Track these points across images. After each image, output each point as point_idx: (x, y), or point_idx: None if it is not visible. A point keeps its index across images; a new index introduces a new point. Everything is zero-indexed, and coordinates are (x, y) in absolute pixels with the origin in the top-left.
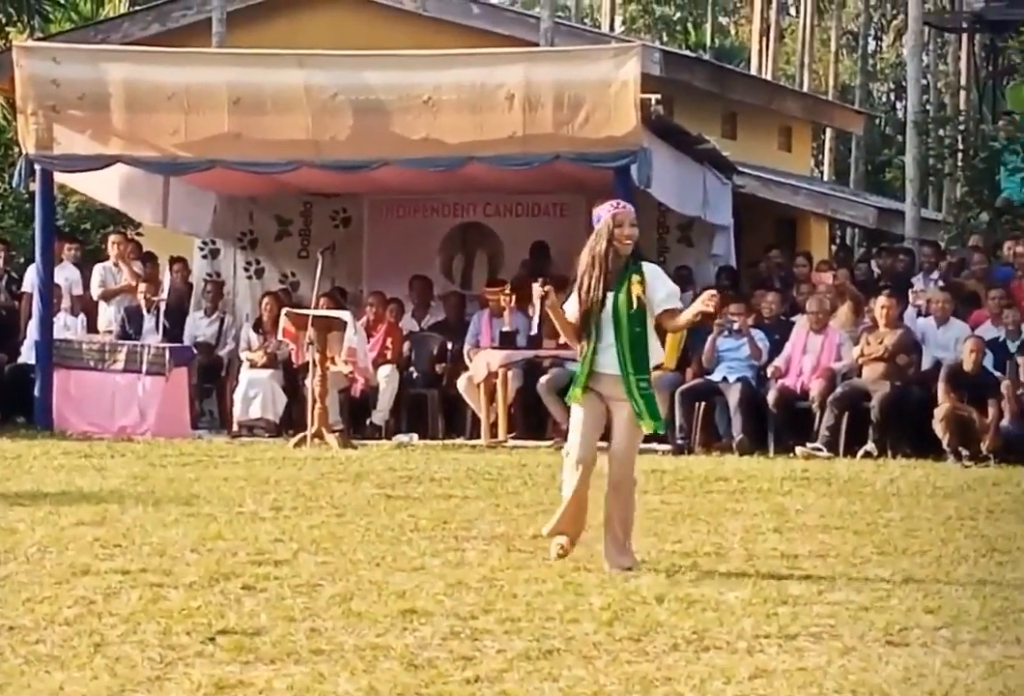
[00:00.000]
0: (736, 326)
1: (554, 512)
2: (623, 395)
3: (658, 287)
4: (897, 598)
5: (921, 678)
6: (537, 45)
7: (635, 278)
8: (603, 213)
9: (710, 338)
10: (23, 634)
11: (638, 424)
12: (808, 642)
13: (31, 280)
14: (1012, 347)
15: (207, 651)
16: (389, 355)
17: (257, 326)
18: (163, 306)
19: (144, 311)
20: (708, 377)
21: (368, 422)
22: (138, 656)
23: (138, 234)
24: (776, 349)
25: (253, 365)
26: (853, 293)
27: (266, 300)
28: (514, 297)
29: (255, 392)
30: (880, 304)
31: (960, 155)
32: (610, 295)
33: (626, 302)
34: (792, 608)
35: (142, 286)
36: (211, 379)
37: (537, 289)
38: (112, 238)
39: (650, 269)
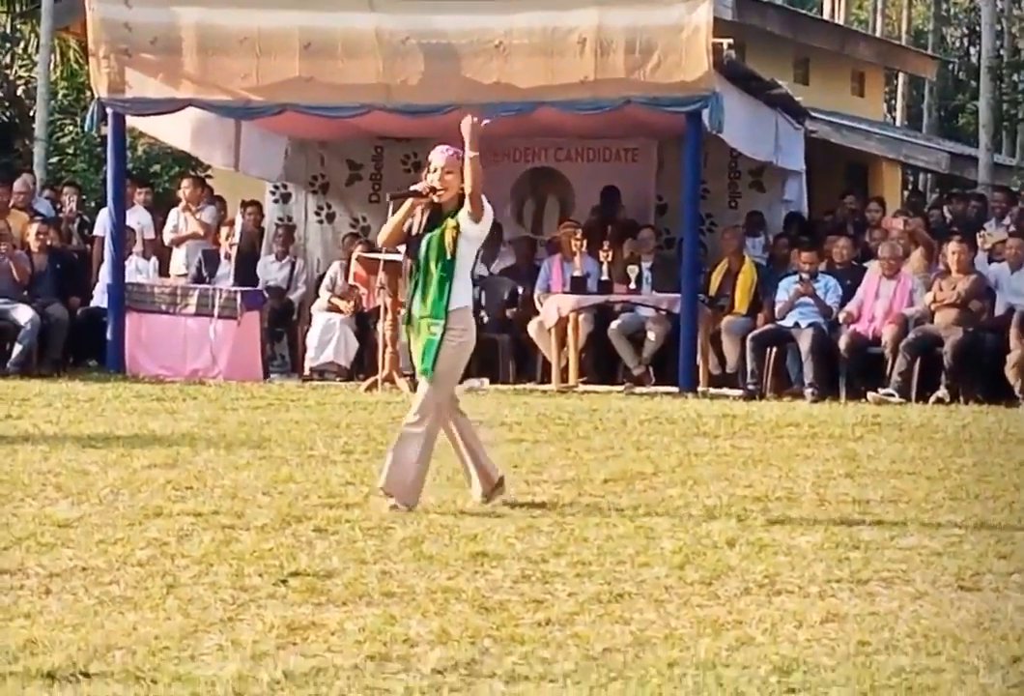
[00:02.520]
0: (801, 289)
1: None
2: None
3: (471, 235)
4: (969, 543)
5: (993, 623)
6: None
7: (450, 222)
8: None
9: (785, 293)
10: (96, 575)
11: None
12: (880, 587)
13: (103, 224)
14: None
15: (279, 593)
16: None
17: (347, 273)
18: (235, 250)
19: (222, 256)
20: (780, 323)
21: None
22: (210, 597)
23: (207, 176)
24: (848, 295)
25: (333, 309)
26: (925, 239)
27: (359, 247)
28: (585, 242)
29: (328, 336)
30: (952, 250)
31: None
32: (426, 238)
33: (437, 247)
34: (864, 553)
35: (223, 230)
36: (282, 323)
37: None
38: (183, 183)
39: (463, 214)
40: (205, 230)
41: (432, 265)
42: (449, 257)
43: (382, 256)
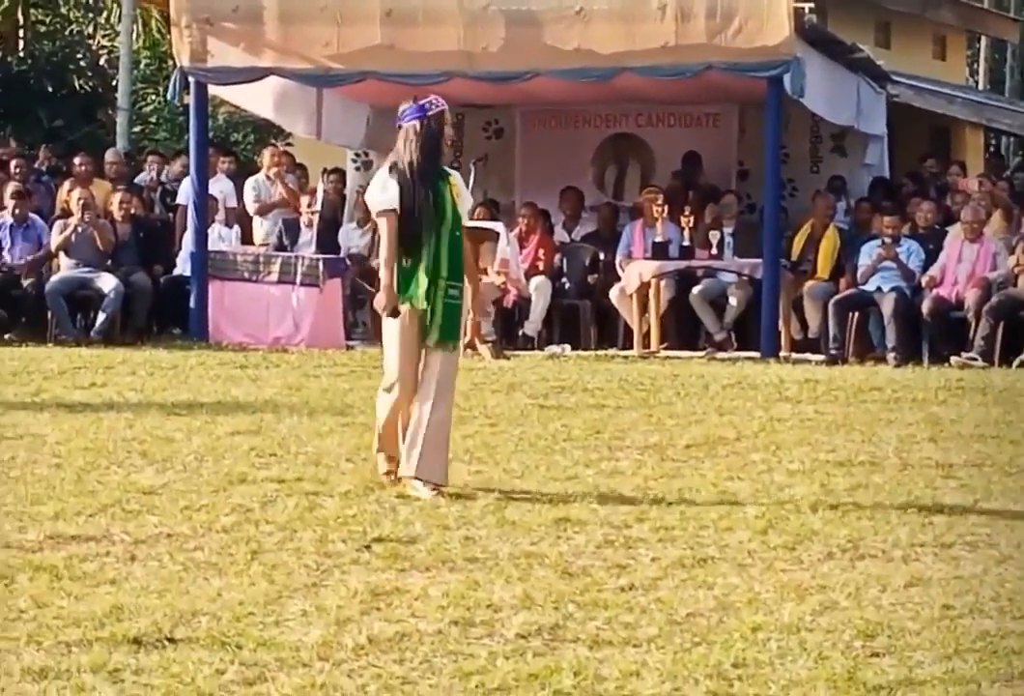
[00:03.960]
0: (884, 252)
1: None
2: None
3: (465, 198)
4: None
5: None
6: None
7: (452, 180)
8: (418, 111)
9: (869, 258)
10: (181, 541)
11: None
12: (964, 551)
13: (186, 192)
14: None
15: (363, 558)
16: (541, 266)
17: None
18: (317, 218)
19: (302, 224)
20: (862, 287)
21: (520, 333)
22: (295, 563)
23: (288, 144)
24: (931, 259)
25: None
26: (1004, 200)
27: None
28: (667, 208)
29: None
30: None
31: None
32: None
33: (450, 205)
34: (947, 517)
35: (303, 199)
36: (364, 290)
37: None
38: (267, 151)
39: (456, 176)
40: (292, 197)
41: (444, 226)
42: (459, 215)
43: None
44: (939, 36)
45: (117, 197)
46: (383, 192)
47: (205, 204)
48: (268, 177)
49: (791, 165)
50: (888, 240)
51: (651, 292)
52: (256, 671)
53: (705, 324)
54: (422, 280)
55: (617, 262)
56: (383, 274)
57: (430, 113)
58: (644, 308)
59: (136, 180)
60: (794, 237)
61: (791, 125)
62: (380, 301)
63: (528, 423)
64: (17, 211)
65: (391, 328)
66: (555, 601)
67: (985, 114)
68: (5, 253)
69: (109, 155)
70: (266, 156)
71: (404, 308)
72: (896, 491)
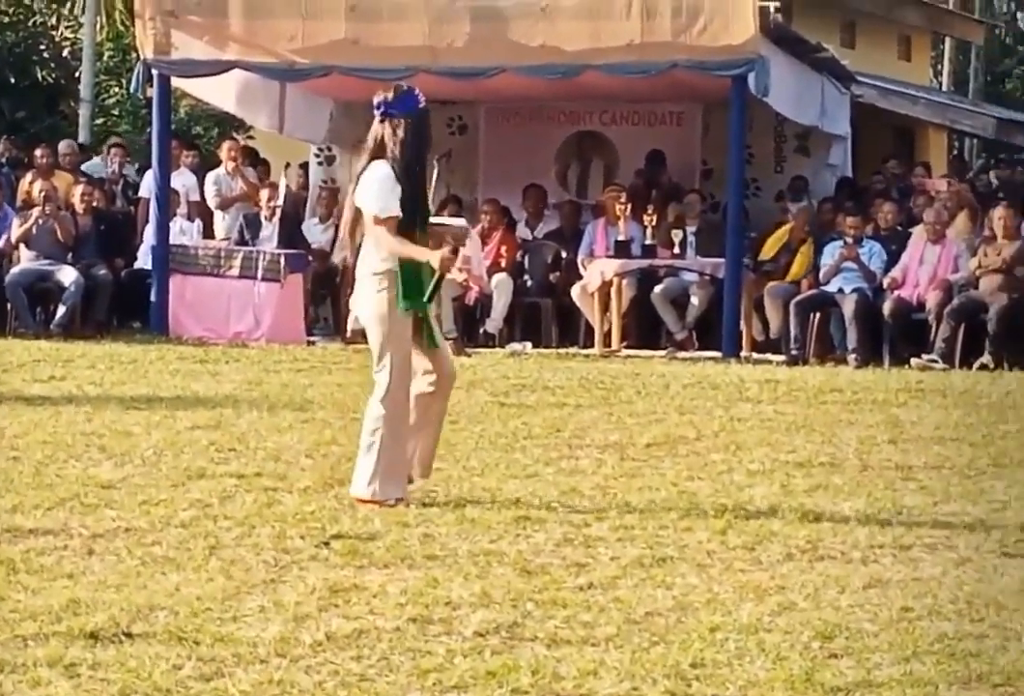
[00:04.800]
0: (846, 252)
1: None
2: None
3: (362, 186)
4: (1012, 510)
5: None
6: None
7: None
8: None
9: (831, 258)
10: (139, 536)
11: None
12: (923, 553)
13: (148, 185)
14: None
15: (321, 555)
16: (503, 263)
17: None
18: (279, 212)
19: (263, 219)
20: (824, 288)
21: (482, 330)
22: (253, 559)
23: (249, 137)
24: (893, 260)
25: None
26: (969, 201)
27: None
28: (629, 206)
29: None
30: (998, 215)
31: None
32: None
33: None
34: (907, 519)
35: (263, 193)
36: (325, 286)
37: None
38: (226, 144)
39: (370, 167)
40: (253, 192)
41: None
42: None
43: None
44: (904, 37)
45: (79, 189)
46: (391, 195)
47: (167, 197)
48: (228, 171)
49: (755, 165)
50: (850, 240)
51: (613, 290)
52: (213, 667)
53: (666, 323)
54: (427, 283)
55: (579, 260)
56: (410, 251)
57: (421, 106)
58: (606, 307)
59: (85, 168)
60: (764, 238)
61: (755, 124)
62: (437, 256)
63: (488, 421)
64: None
65: (396, 335)
66: (513, 599)
67: (949, 115)
68: None
69: (62, 146)
70: (224, 150)
71: (406, 314)
72: (855, 492)
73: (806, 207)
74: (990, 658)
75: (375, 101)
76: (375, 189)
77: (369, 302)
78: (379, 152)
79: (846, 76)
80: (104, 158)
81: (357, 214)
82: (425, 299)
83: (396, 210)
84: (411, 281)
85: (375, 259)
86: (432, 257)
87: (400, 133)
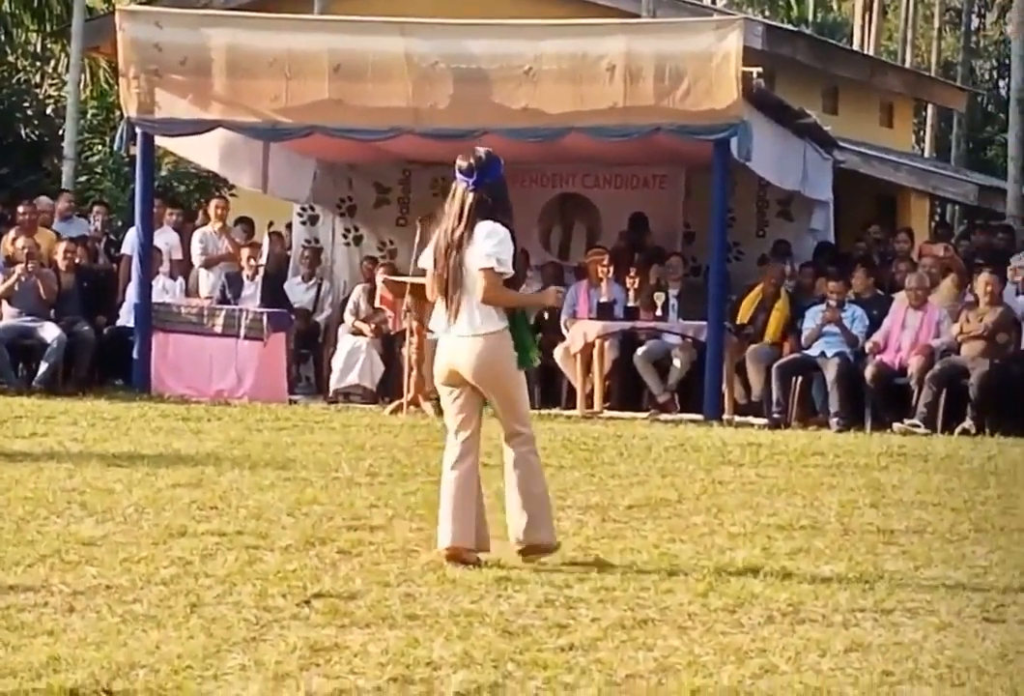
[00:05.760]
0: (828, 315)
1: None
2: None
3: (478, 246)
4: (994, 575)
5: (1018, 655)
6: (639, 17)
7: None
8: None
9: (813, 321)
10: (120, 593)
11: None
12: (904, 617)
13: (131, 243)
14: None
15: (302, 614)
16: None
17: (372, 295)
18: (262, 271)
19: (246, 278)
20: (806, 352)
21: None
22: (234, 617)
23: (232, 195)
24: (875, 325)
25: (358, 333)
26: (960, 267)
27: (382, 269)
28: (612, 268)
29: (353, 359)
30: (983, 281)
31: None
32: None
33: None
34: (888, 583)
35: (245, 252)
36: (308, 345)
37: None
38: (213, 202)
39: (479, 228)
40: (237, 250)
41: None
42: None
43: (409, 279)
44: (886, 103)
45: (62, 246)
46: (510, 252)
47: (150, 255)
48: (215, 231)
49: (737, 228)
50: (833, 303)
51: (595, 352)
52: None
53: (649, 385)
54: (532, 340)
55: (562, 322)
56: (527, 299)
57: (503, 167)
58: (588, 368)
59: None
60: (741, 301)
61: (738, 188)
62: (550, 294)
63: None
64: None
65: (521, 386)
66: (495, 660)
67: (931, 182)
68: None
69: (43, 204)
70: (211, 208)
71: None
72: (837, 556)
73: (776, 264)
74: None
75: (463, 171)
76: (498, 247)
77: (492, 360)
78: (482, 216)
79: (828, 142)
80: (89, 216)
81: (456, 275)
82: (533, 355)
83: (510, 268)
84: (525, 339)
85: (491, 318)
86: (546, 297)
87: (496, 196)
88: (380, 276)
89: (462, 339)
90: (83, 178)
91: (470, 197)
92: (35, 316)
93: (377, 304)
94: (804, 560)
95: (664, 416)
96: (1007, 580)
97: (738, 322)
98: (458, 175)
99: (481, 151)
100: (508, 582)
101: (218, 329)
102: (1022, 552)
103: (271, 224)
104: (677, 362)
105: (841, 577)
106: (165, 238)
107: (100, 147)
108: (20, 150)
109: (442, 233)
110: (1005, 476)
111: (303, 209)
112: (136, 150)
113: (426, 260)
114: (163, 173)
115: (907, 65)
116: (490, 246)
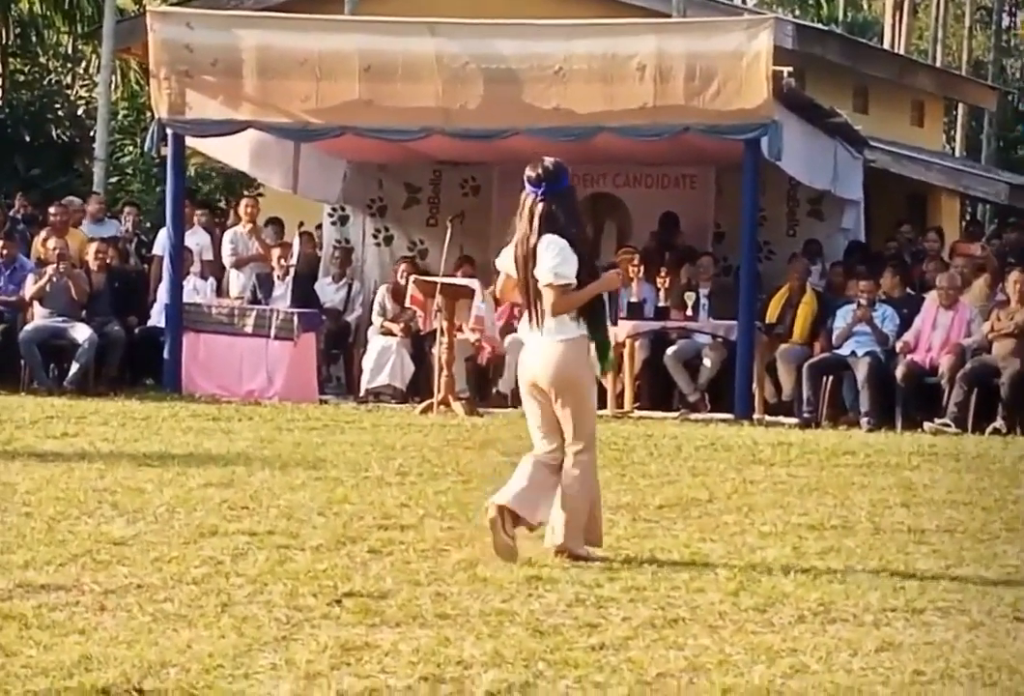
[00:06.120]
0: (859, 314)
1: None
2: None
3: (540, 261)
4: None
5: None
6: (670, 16)
7: None
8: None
9: (844, 321)
10: (151, 592)
11: None
12: (935, 617)
13: (161, 243)
14: None
15: (333, 613)
16: (516, 324)
17: (394, 294)
18: (292, 271)
19: (276, 278)
20: (836, 351)
21: (494, 390)
22: (265, 616)
23: (259, 195)
24: (906, 325)
25: (387, 333)
26: (994, 266)
27: (403, 267)
28: (642, 268)
29: (384, 359)
30: (1013, 280)
31: None
32: None
33: None
34: (919, 582)
35: (276, 251)
36: (338, 345)
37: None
38: (243, 202)
39: (540, 243)
40: (267, 250)
41: None
42: None
43: (439, 279)
44: (917, 102)
45: (93, 247)
46: (570, 265)
47: (180, 256)
48: (248, 231)
49: (768, 228)
50: (863, 301)
51: (626, 352)
52: None
53: (679, 385)
54: (608, 348)
55: None
56: (588, 290)
57: (571, 176)
58: (618, 368)
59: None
60: (771, 300)
61: (768, 188)
62: (611, 276)
63: (501, 481)
64: (5, 252)
65: (592, 393)
66: (525, 659)
67: (962, 181)
68: None
69: (73, 205)
70: (242, 208)
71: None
72: (868, 555)
73: (800, 259)
74: None
75: (532, 182)
76: (556, 259)
77: (566, 367)
78: (550, 227)
79: (859, 141)
80: (120, 217)
81: (534, 284)
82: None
83: (571, 277)
84: (604, 344)
85: (566, 325)
86: (607, 281)
87: (565, 205)
88: (402, 274)
89: (541, 345)
90: (114, 179)
91: (539, 207)
92: (66, 317)
93: (407, 304)
94: (835, 559)
95: (694, 416)
96: None
97: (767, 321)
98: (527, 186)
99: (549, 161)
100: (539, 581)
101: (249, 329)
102: None
103: (301, 224)
104: (707, 362)
105: (872, 576)
106: (196, 239)
107: (131, 148)
108: (51, 151)
109: (516, 244)
110: None
111: (333, 209)
112: (167, 151)
113: (502, 262)
114: (190, 173)
115: (938, 64)
116: (548, 260)
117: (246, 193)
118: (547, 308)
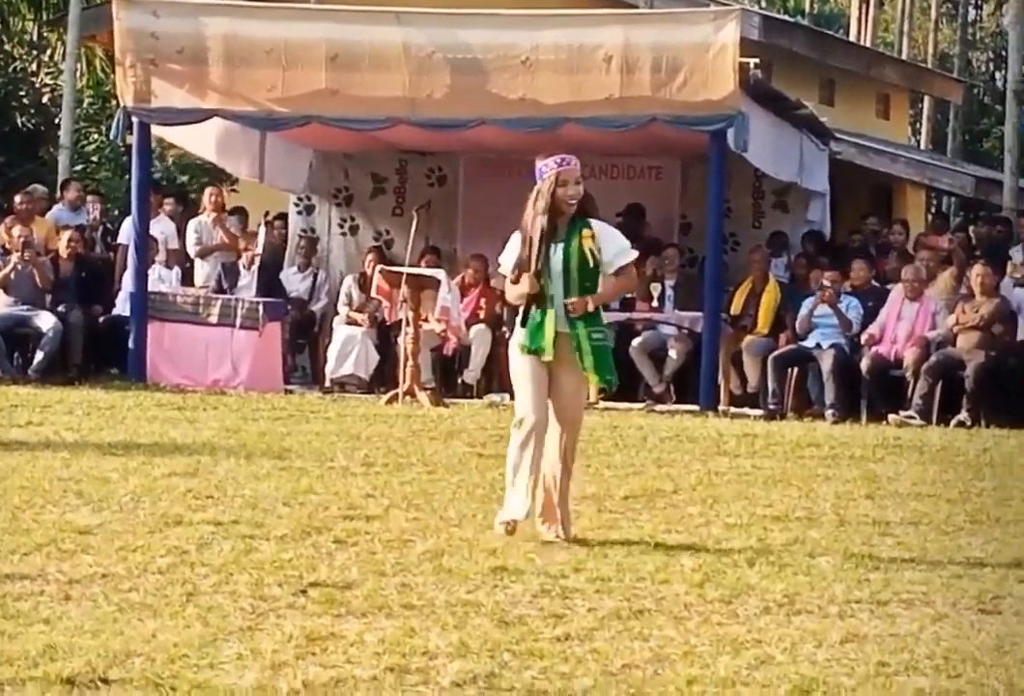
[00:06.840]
0: (823, 296)
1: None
2: (569, 353)
3: (608, 243)
4: (989, 566)
5: (1013, 646)
6: (636, 7)
7: (585, 232)
8: (546, 169)
9: (806, 308)
10: (116, 582)
11: (586, 383)
12: (900, 608)
13: (127, 232)
14: None
15: (298, 603)
16: (482, 315)
17: (361, 284)
18: (258, 261)
19: (241, 267)
20: (801, 343)
21: (459, 381)
22: (230, 606)
23: (233, 190)
24: (871, 317)
25: (353, 323)
26: (961, 258)
27: (371, 256)
28: None
29: (349, 349)
30: (976, 273)
31: None
32: (558, 251)
33: (578, 256)
34: (884, 574)
35: (242, 241)
36: (304, 334)
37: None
38: (208, 191)
39: (598, 225)
40: (233, 242)
41: (574, 276)
42: (592, 265)
43: (405, 269)
44: (883, 95)
45: (66, 235)
46: (508, 254)
47: (146, 244)
48: (212, 220)
49: (733, 220)
50: (827, 283)
51: None
52: None
53: (644, 376)
54: (548, 332)
55: None
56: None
57: (546, 174)
58: None
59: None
60: (735, 291)
61: (734, 180)
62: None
63: (466, 471)
64: None
65: (521, 370)
66: (491, 650)
67: (927, 173)
68: None
69: (37, 192)
70: (205, 196)
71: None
72: (833, 547)
73: (760, 248)
74: None
75: (552, 168)
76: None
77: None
78: (585, 210)
79: (825, 133)
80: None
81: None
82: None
83: (505, 271)
84: (536, 330)
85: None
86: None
87: (532, 198)
88: (369, 263)
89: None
90: (79, 167)
91: (551, 191)
92: (30, 305)
93: (373, 294)
94: (800, 551)
95: (660, 407)
96: (1002, 571)
97: (732, 313)
98: (549, 165)
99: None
100: (504, 572)
101: (214, 319)
102: (1017, 543)
103: (267, 214)
104: (673, 353)
105: (837, 568)
106: (161, 227)
107: (96, 136)
108: (16, 139)
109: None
110: (1000, 468)
111: (299, 199)
112: (132, 139)
113: (507, 262)
114: (168, 163)
115: (904, 57)
116: (621, 241)
117: (221, 186)
118: (627, 286)
